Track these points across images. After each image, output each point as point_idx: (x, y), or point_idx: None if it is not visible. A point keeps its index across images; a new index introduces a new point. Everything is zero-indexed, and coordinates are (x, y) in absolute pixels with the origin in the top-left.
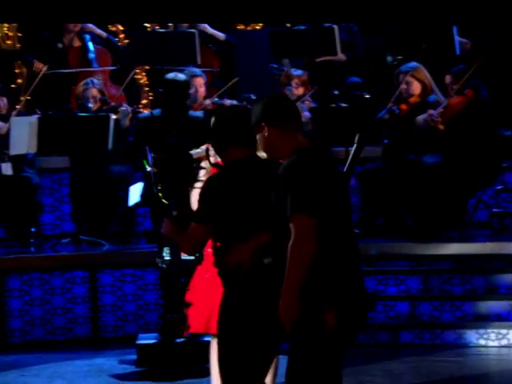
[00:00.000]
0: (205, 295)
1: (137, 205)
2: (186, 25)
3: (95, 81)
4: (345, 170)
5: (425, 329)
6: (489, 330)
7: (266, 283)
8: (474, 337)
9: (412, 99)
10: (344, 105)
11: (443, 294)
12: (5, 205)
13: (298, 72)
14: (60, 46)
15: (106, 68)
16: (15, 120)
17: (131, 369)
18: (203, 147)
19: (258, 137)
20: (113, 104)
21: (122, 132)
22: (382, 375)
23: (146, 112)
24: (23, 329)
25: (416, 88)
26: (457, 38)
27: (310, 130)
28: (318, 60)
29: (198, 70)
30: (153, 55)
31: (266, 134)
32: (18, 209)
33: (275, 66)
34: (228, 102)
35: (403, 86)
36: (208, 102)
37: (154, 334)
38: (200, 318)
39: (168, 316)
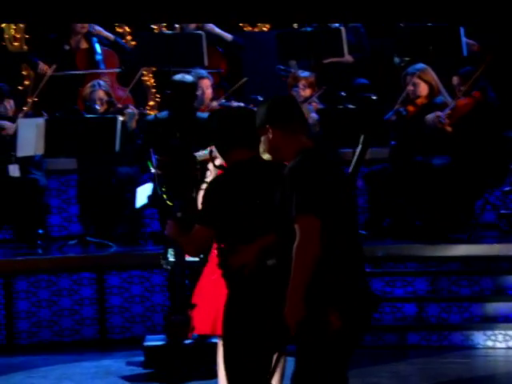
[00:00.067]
0: (212, 297)
1: (144, 206)
2: (192, 26)
3: (102, 83)
4: (350, 171)
5: (432, 330)
6: (496, 332)
7: (270, 285)
8: (481, 338)
9: (419, 101)
10: (351, 106)
11: (451, 295)
12: (12, 206)
13: (305, 73)
14: (67, 47)
15: (113, 70)
16: (22, 122)
17: (138, 370)
18: (208, 149)
19: (262, 139)
20: (119, 106)
21: (129, 134)
22: (389, 377)
23: (153, 114)
24: (30, 330)
25: (423, 89)
26: (464, 40)
27: (317, 131)
28: (325, 61)
29: (204, 72)
30: (160, 57)
31: (271, 135)
32: (25, 210)
33: (282, 67)
34: (235, 104)
35: (410, 88)
36: (215, 103)
37: (162, 336)
38: (207, 320)
39: (172, 318)
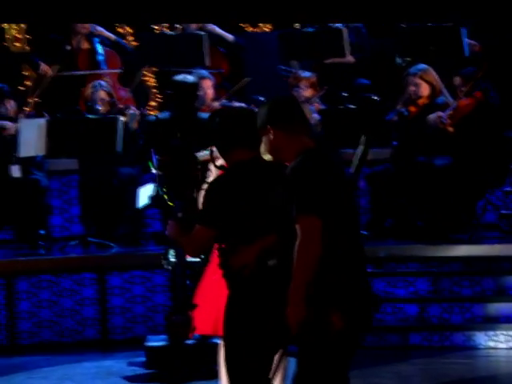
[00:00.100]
0: (213, 297)
1: (146, 207)
2: (194, 27)
3: (103, 83)
4: (351, 171)
5: (434, 331)
6: (498, 332)
7: (271, 285)
8: (483, 339)
9: (421, 101)
10: (353, 107)
11: (452, 295)
12: (13, 207)
13: (307, 74)
14: (68, 48)
15: (115, 70)
16: (24, 122)
17: (140, 371)
18: (209, 149)
19: (263, 139)
20: (120, 106)
21: (131, 135)
22: (391, 377)
23: (154, 115)
24: (31, 331)
25: (425, 90)
26: (465, 40)
27: (318, 131)
28: (326, 62)
29: (206, 72)
30: (161, 57)
31: (272, 136)
32: (26, 211)
33: (284, 67)
34: (236, 104)
35: (412, 88)
36: (216, 103)
37: (163, 336)
38: (208, 320)
39: (173, 318)
